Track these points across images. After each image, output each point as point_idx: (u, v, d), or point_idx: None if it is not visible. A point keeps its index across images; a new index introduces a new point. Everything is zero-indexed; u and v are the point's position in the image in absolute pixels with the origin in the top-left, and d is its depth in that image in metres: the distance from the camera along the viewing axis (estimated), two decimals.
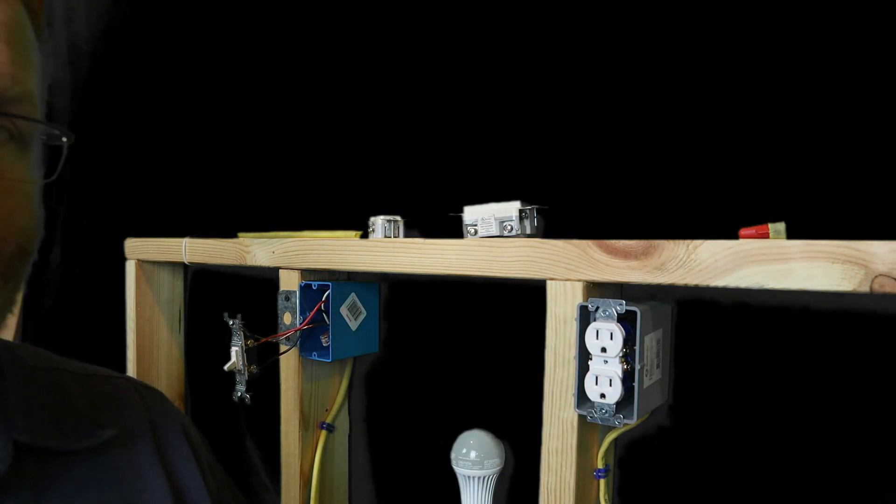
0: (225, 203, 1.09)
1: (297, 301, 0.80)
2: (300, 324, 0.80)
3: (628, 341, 0.57)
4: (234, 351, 0.88)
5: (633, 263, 0.56)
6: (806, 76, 0.59)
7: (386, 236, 0.76)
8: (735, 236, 0.53)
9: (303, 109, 0.97)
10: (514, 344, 0.77)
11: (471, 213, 0.68)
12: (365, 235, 0.79)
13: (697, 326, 0.65)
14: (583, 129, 0.72)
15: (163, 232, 1.04)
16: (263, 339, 0.86)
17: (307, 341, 0.82)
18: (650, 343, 0.59)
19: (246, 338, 0.87)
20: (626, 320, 0.57)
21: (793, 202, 0.59)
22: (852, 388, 0.58)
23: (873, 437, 0.57)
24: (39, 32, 0.44)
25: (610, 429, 0.63)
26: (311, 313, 0.80)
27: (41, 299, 1.42)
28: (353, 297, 0.83)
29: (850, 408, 0.58)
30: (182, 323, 1.16)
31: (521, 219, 0.66)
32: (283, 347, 0.83)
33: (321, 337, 0.82)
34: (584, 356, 0.59)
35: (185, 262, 0.97)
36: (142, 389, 0.56)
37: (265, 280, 0.98)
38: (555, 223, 0.71)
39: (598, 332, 0.57)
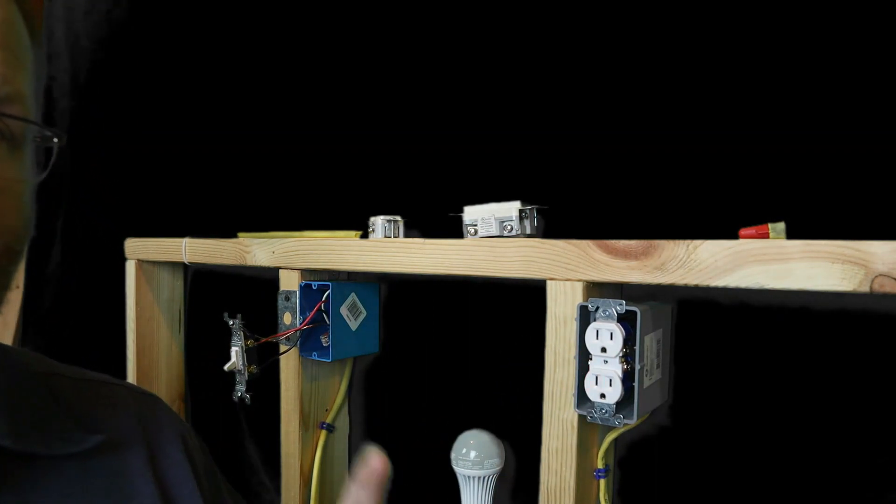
0: (225, 203, 1.09)
1: (297, 301, 0.80)
2: (300, 324, 0.80)
3: (628, 341, 0.57)
4: (234, 351, 0.88)
5: (633, 263, 0.56)
6: (805, 76, 0.59)
7: (386, 236, 0.76)
8: (735, 236, 0.53)
9: (303, 109, 0.97)
10: (514, 344, 0.77)
11: (471, 213, 0.68)
12: (365, 235, 0.79)
13: (697, 326, 0.65)
14: (583, 129, 0.72)
15: (163, 232, 1.04)
16: (263, 339, 0.86)
17: (307, 341, 0.82)
18: (650, 343, 0.59)
19: (246, 338, 0.87)
20: (626, 320, 0.57)
21: (793, 202, 0.59)
22: (852, 388, 0.58)
23: (873, 437, 0.57)
24: (35, 34, 0.44)
25: (610, 429, 0.63)
26: (311, 313, 0.80)
27: (41, 299, 1.42)
28: (353, 297, 0.83)
29: (850, 408, 0.58)
30: (182, 323, 1.16)
31: (521, 219, 0.66)
32: (283, 347, 0.83)
33: (321, 337, 0.82)
34: (584, 356, 0.59)
35: (185, 262, 0.97)
36: (139, 396, 0.56)
37: (265, 280, 0.98)
38: (555, 223, 0.71)
39: (598, 332, 0.57)
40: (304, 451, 0.85)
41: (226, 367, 0.88)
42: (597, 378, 0.57)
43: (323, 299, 0.80)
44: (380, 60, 0.88)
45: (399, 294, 0.88)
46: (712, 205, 0.64)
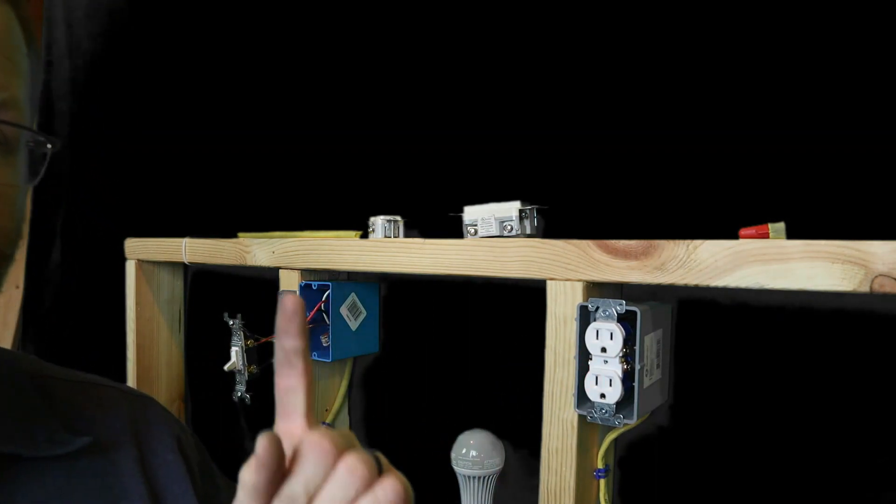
0: (225, 203, 1.09)
1: None
2: None
3: (628, 341, 0.57)
4: (234, 351, 0.88)
5: (633, 263, 0.56)
6: (805, 76, 0.59)
7: (386, 236, 0.76)
8: (735, 236, 0.53)
9: (303, 110, 0.97)
10: (514, 344, 0.77)
11: (471, 213, 0.68)
12: (365, 235, 0.79)
13: (697, 326, 0.65)
14: (583, 130, 0.72)
15: (163, 232, 1.04)
16: (263, 339, 0.86)
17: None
18: (650, 343, 0.59)
19: (246, 338, 0.88)
20: (626, 320, 0.57)
21: (793, 202, 0.59)
22: (852, 388, 0.58)
23: (873, 437, 0.57)
24: (31, 40, 0.44)
25: (610, 429, 0.63)
26: (311, 313, 0.80)
27: (41, 299, 1.42)
28: (353, 297, 0.83)
29: (850, 408, 0.58)
30: (182, 323, 1.16)
31: (521, 219, 0.66)
32: None
33: (321, 337, 0.82)
34: (584, 356, 0.59)
35: (185, 262, 0.97)
36: (131, 397, 0.56)
37: (265, 280, 0.98)
38: (555, 223, 0.71)
39: (598, 332, 0.57)
40: None
41: (226, 367, 0.88)
42: (597, 378, 0.57)
43: (323, 299, 0.80)
44: (380, 61, 0.88)
45: (399, 294, 0.88)
46: (712, 205, 0.64)
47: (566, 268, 0.59)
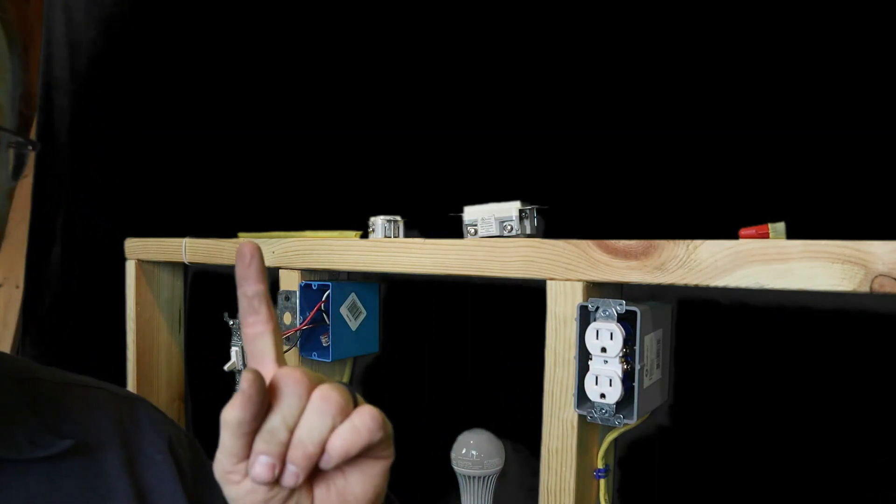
0: (225, 203, 1.09)
1: (297, 301, 0.80)
2: (300, 324, 0.80)
3: (628, 341, 0.57)
4: (234, 351, 0.88)
5: (633, 263, 0.56)
6: (805, 76, 0.59)
7: (386, 236, 0.76)
8: (735, 236, 0.53)
9: (303, 109, 0.97)
10: (514, 344, 0.77)
11: (471, 213, 0.68)
12: (365, 235, 0.79)
13: (697, 326, 0.65)
14: (583, 130, 0.72)
15: (163, 232, 1.04)
16: None
17: (307, 341, 0.82)
18: (650, 343, 0.59)
19: None
20: (626, 320, 0.57)
21: (793, 202, 0.59)
22: (852, 388, 0.58)
23: (873, 437, 0.57)
24: (13, 43, 0.44)
25: (610, 429, 0.63)
26: (311, 313, 0.80)
27: (41, 299, 1.42)
28: (353, 297, 0.83)
29: (850, 408, 0.58)
30: (182, 323, 1.16)
31: (521, 219, 0.66)
32: (283, 347, 0.83)
33: (321, 337, 0.82)
34: (584, 356, 0.59)
35: (185, 262, 0.97)
36: (121, 399, 0.56)
37: None
38: (555, 223, 0.71)
39: (598, 332, 0.57)
40: None
41: (226, 367, 0.88)
42: (597, 378, 0.57)
43: (323, 299, 0.80)
44: (380, 61, 0.88)
45: (399, 294, 0.88)
46: (712, 205, 0.64)
47: (566, 268, 0.59)
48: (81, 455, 0.48)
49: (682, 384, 0.66)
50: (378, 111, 0.89)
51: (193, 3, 1.12)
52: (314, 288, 0.81)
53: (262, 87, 1.02)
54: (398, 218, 0.77)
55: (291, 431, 0.35)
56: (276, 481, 0.35)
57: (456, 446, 0.72)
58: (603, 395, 0.57)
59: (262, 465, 0.34)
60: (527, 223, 0.66)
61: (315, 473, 0.37)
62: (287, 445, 0.35)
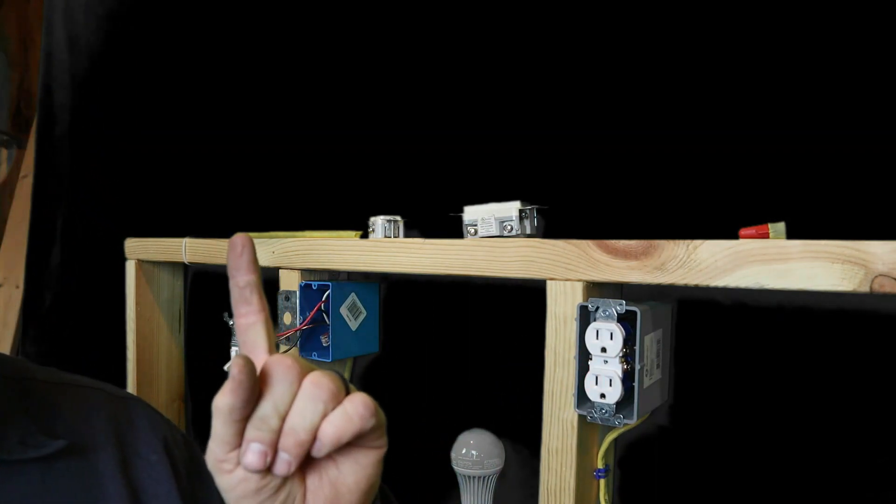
0: (225, 203, 1.09)
1: (297, 301, 0.80)
2: (300, 324, 0.80)
3: (628, 341, 0.57)
4: (235, 351, 0.88)
5: (633, 263, 0.56)
6: (805, 76, 0.59)
7: (386, 236, 0.76)
8: (735, 236, 0.53)
9: (303, 110, 0.97)
10: (514, 344, 0.77)
11: (471, 213, 0.68)
12: (365, 235, 0.79)
13: (697, 326, 0.65)
14: (583, 130, 0.72)
15: (163, 232, 1.04)
16: None
17: (307, 341, 0.82)
18: (650, 343, 0.59)
19: None
20: (626, 320, 0.57)
21: (793, 202, 0.59)
22: (852, 388, 0.58)
23: (873, 437, 0.57)
24: (2, 42, 0.44)
25: (610, 429, 0.63)
26: (311, 313, 0.80)
27: (41, 299, 1.42)
28: (353, 297, 0.83)
29: (850, 408, 0.58)
30: (182, 323, 1.16)
31: (521, 219, 0.66)
32: (283, 347, 0.83)
33: (321, 337, 0.82)
34: (584, 356, 0.59)
35: (185, 262, 0.97)
36: (115, 399, 0.56)
37: (265, 280, 0.98)
38: (555, 223, 0.71)
39: (598, 332, 0.57)
40: None
41: (226, 367, 0.88)
42: (597, 378, 0.57)
43: (323, 299, 0.80)
44: (380, 61, 0.88)
45: (399, 294, 0.88)
46: (712, 205, 0.64)
47: (566, 268, 0.59)
48: (75, 456, 0.48)
49: (682, 384, 0.66)
50: (378, 111, 0.89)
51: (193, 3, 1.12)
52: (314, 288, 0.81)
53: (261, 88, 1.02)
54: (398, 218, 0.77)
55: (283, 419, 0.35)
56: (268, 469, 0.35)
57: (456, 446, 0.72)
58: (603, 395, 0.57)
59: (253, 452, 0.34)
60: (527, 223, 0.66)
61: (307, 463, 0.37)
62: (279, 433, 0.35)
